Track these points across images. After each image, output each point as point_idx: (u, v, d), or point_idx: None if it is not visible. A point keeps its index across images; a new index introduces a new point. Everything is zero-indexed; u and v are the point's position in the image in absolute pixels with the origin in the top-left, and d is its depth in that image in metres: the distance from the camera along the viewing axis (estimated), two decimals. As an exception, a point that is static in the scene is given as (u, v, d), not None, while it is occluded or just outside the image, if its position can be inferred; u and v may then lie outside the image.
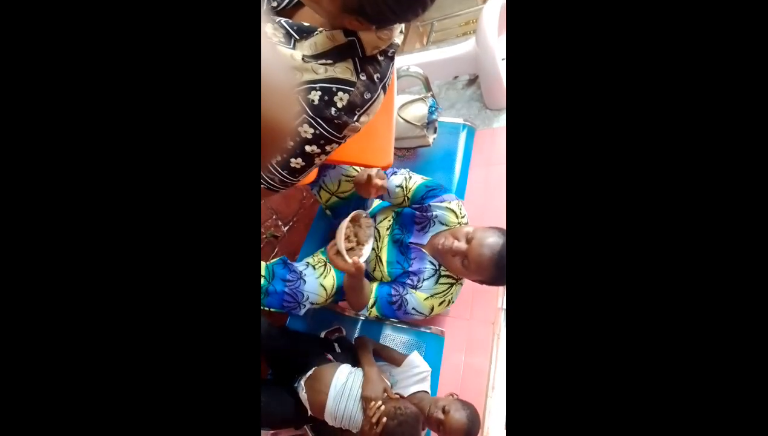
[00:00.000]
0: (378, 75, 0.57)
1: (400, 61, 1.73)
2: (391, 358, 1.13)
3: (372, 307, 1.00)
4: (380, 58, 0.56)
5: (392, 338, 1.27)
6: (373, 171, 0.98)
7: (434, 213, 1.01)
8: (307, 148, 0.57)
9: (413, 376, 1.06)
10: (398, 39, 0.58)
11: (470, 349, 1.30)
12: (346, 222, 0.84)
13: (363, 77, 0.55)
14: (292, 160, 0.59)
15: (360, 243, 0.91)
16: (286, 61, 0.51)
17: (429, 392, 1.07)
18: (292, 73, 0.52)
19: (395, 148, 1.57)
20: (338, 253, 0.84)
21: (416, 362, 1.08)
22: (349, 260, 0.83)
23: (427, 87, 1.55)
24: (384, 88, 0.58)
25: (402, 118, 1.41)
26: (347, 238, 0.88)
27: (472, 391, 1.24)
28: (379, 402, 0.88)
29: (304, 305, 0.99)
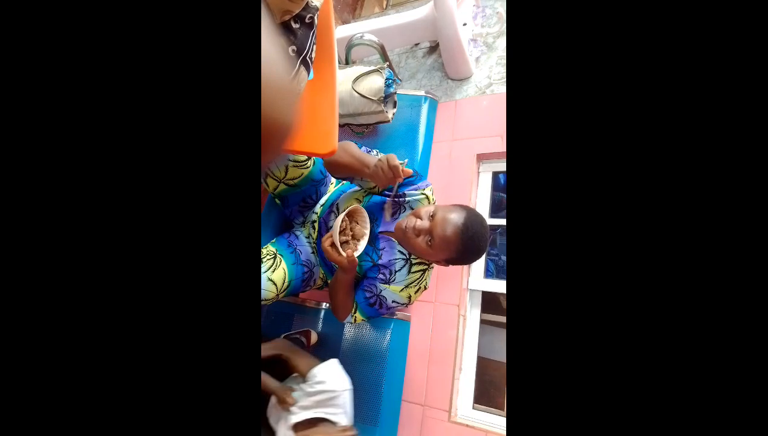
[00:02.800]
0: (294, 47, 0.47)
1: (354, 29, 1.59)
2: (298, 367, 0.94)
3: (355, 313, 0.99)
4: (294, 25, 0.47)
5: (355, 326, 1.22)
6: (377, 157, 0.86)
7: (407, 199, 0.96)
8: None
9: (314, 395, 0.86)
10: (317, 0, 0.48)
11: (437, 332, 1.27)
12: (342, 215, 0.85)
13: None
14: None
15: (355, 238, 0.90)
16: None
17: (335, 421, 0.85)
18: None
19: (354, 125, 1.47)
20: (333, 245, 0.84)
21: (319, 377, 0.87)
22: (344, 254, 0.83)
23: (384, 57, 1.44)
24: (306, 64, 0.49)
25: (357, 92, 1.31)
26: (342, 231, 0.87)
27: (439, 373, 1.23)
28: None
29: None
